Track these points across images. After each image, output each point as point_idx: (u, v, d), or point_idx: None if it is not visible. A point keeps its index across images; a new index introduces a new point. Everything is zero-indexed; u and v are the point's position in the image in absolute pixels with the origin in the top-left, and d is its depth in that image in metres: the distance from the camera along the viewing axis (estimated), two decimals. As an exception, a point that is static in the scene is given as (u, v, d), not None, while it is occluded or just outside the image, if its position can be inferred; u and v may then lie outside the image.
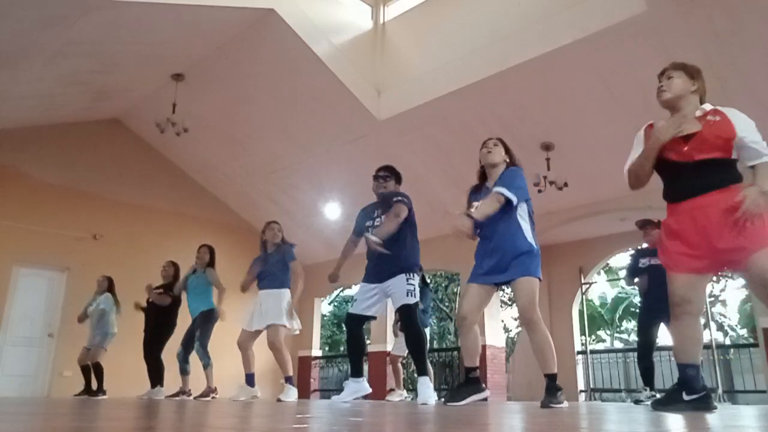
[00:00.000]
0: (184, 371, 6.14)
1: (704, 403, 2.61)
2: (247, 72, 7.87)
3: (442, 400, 3.48)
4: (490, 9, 7.24)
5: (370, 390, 4.08)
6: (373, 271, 4.05)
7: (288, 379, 5.07)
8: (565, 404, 3.21)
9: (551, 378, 3.17)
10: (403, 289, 3.88)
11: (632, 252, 5.67)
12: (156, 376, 6.40)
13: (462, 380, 3.35)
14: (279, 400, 4.86)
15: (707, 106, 2.68)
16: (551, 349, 3.19)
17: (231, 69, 7.85)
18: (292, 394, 4.99)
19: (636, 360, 5.47)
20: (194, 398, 5.85)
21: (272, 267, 5.13)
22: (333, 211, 9.86)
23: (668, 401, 2.67)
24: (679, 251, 2.59)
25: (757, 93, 5.86)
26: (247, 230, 10.67)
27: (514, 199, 3.16)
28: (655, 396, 5.07)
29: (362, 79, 7.92)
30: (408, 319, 3.91)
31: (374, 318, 4.13)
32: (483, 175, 3.50)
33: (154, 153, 10.15)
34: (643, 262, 5.30)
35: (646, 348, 5.22)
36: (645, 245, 5.53)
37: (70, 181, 9.03)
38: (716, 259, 2.52)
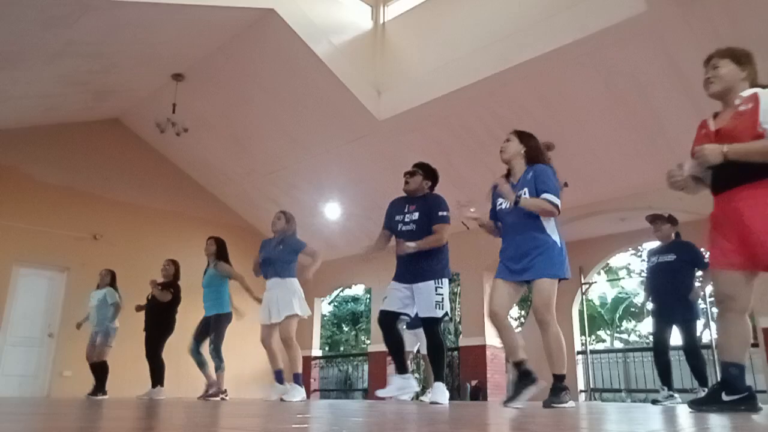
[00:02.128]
0: (201, 364, 5.96)
1: (747, 404, 2.46)
2: (247, 72, 7.87)
3: (503, 402, 3.31)
4: (490, 9, 7.24)
5: (417, 388, 3.98)
6: (404, 271, 3.98)
7: (296, 377, 4.99)
8: (571, 404, 3.19)
9: (558, 378, 3.15)
10: (432, 299, 3.82)
11: (645, 252, 5.61)
12: (157, 375, 6.38)
13: (515, 377, 3.24)
14: (282, 400, 4.82)
15: (747, 92, 2.50)
16: (561, 351, 3.16)
17: (231, 69, 7.85)
18: (297, 394, 4.89)
19: (635, 360, 5.46)
20: (202, 398, 5.82)
21: (274, 255, 5.08)
22: (333, 211, 9.85)
23: (707, 401, 2.57)
24: (717, 246, 2.51)
25: (757, 93, 5.85)
26: (247, 230, 10.67)
27: (558, 210, 3.17)
28: (672, 396, 5.02)
29: (362, 79, 7.92)
30: (431, 330, 3.88)
31: (408, 317, 4.03)
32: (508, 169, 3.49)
33: (154, 153, 10.15)
34: (653, 260, 5.27)
35: (659, 346, 5.16)
36: (656, 242, 5.47)
37: (70, 181, 9.03)
38: (750, 256, 2.40)
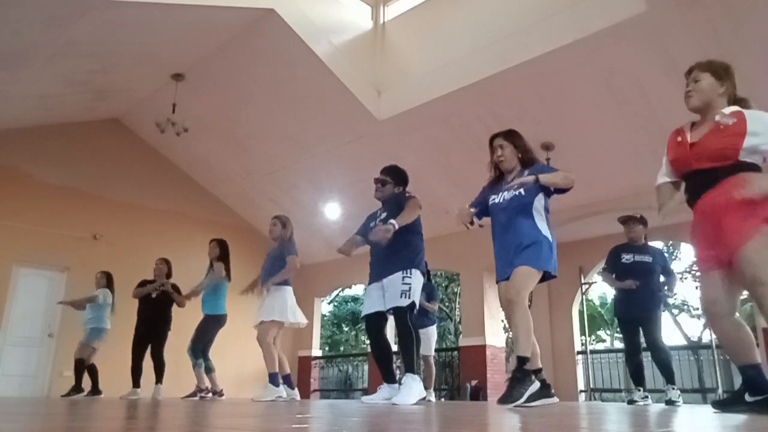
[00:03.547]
0: (208, 369, 5.96)
1: None
2: (247, 72, 7.87)
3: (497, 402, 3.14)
4: (490, 9, 7.24)
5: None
6: (375, 270, 4.01)
7: (271, 377, 4.90)
8: (540, 396, 2.94)
9: (520, 361, 2.96)
10: (398, 288, 3.78)
11: (611, 249, 5.48)
12: (158, 374, 6.38)
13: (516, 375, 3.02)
14: (252, 400, 4.79)
15: (728, 110, 2.57)
16: (527, 332, 3.00)
17: (231, 69, 7.85)
18: (270, 393, 4.80)
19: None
20: (181, 398, 5.82)
21: (272, 263, 5.08)
22: (333, 211, 9.86)
23: (730, 402, 2.60)
24: (700, 253, 2.58)
25: (757, 93, 5.83)
26: (247, 230, 10.67)
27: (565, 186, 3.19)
28: (647, 397, 5.04)
29: (362, 79, 7.92)
30: (399, 320, 3.80)
31: (390, 312, 3.93)
32: (498, 168, 3.48)
33: (154, 153, 10.14)
34: (627, 258, 5.21)
35: (631, 348, 5.16)
36: (627, 241, 5.45)
37: (70, 181, 9.02)
38: (726, 257, 2.44)
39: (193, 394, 5.94)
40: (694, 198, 2.57)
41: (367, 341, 4.41)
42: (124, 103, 9.12)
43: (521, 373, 2.92)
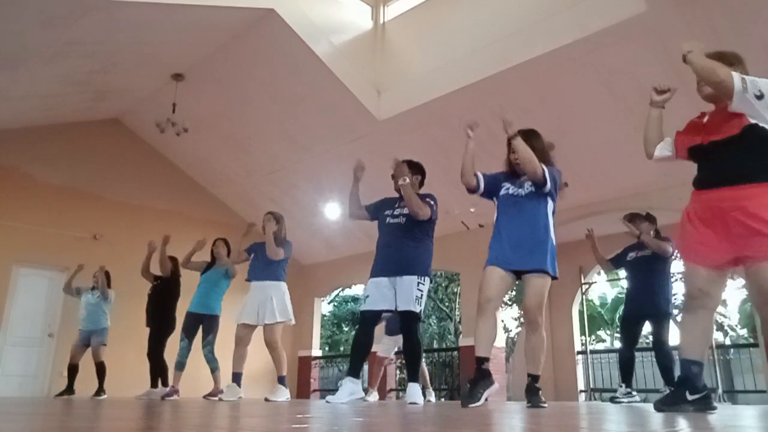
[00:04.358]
0: (181, 366, 5.88)
1: (706, 403, 2.57)
2: (247, 72, 7.87)
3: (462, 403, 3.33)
4: (490, 9, 7.24)
5: (363, 394, 3.94)
6: (385, 264, 3.95)
7: (281, 379, 5.03)
8: (545, 404, 3.26)
9: (534, 379, 3.23)
10: (412, 293, 3.80)
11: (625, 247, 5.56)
12: (159, 376, 6.37)
13: (473, 374, 3.13)
14: (267, 399, 4.84)
15: None
16: (543, 352, 3.23)
17: (231, 69, 7.85)
18: (282, 394, 4.93)
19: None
20: (203, 397, 5.84)
21: (267, 262, 5.08)
22: (333, 211, 9.85)
23: (672, 401, 2.60)
24: (699, 242, 2.48)
25: (757, 93, 5.86)
26: (247, 230, 10.66)
27: (547, 186, 3.24)
28: (630, 393, 5.07)
29: (362, 79, 7.92)
30: (410, 326, 3.85)
31: (390, 312, 3.97)
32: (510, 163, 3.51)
33: (154, 153, 10.14)
34: (631, 255, 5.27)
35: (628, 340, 5.20)
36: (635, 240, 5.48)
37: (70, 181, 9.02)
38: (733, 255, 2.40)
39: (214, 394, 5.93)
40: (709, 182, 2.50)
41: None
42: (124, 103, 9.12)
43: (535, 385, 3.23)
